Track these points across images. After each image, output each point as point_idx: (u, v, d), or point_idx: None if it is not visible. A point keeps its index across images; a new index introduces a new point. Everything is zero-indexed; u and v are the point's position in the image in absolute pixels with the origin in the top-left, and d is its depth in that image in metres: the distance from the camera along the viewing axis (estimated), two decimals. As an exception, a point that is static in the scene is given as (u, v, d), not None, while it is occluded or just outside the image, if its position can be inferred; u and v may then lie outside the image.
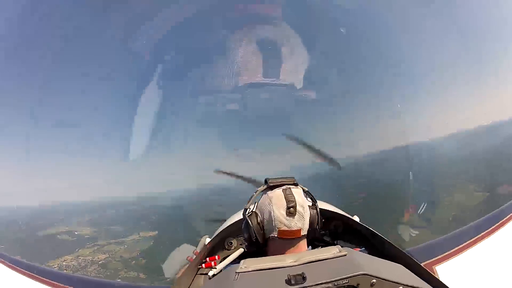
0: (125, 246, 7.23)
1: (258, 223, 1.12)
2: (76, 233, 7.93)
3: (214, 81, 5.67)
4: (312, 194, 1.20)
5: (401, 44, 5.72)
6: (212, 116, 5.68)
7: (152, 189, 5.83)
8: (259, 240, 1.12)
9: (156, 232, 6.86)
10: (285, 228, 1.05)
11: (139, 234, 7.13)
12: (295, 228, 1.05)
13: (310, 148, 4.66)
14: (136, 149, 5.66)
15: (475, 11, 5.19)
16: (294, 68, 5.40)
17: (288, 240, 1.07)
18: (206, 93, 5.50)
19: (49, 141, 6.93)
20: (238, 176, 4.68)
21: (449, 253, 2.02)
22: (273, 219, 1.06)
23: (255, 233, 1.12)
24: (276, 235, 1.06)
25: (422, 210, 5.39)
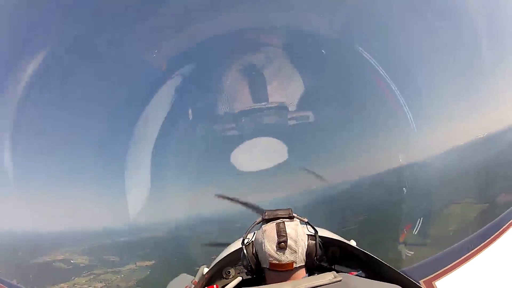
0: (122, 275, 7.09)
1: (253, 254, 1.17)
2: (72, 261, 7.79)
3: (210, 108, 5.73)
4: (311, 224, 1.23)
5: (391, 65, 5.78)
6: (209, 143, 5.71)
7: (149, 218, 5.78)
8: (255, 269, 1.17)
9: (153, 261, 6.75)
10: (275, 261, 1.09)
11: (135, 263, 7.01)
12: (285, 262, 1.08)
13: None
14: (133, 179, 5.64)
15: (461, 20, 5.25)
16: (288, 91, 5.48)
17: (278, 272, 1.10)
18: (204, 120, 5.56)
19: (46, 168, 6.91)
20: (240, 202, 4.65)
21: (448, 267, 1.99)
22: (264, 252, 1.10)
23: (250, 262, 1.17)
24: (268, 267, 1.11)
25: (418, 228, 5.35)
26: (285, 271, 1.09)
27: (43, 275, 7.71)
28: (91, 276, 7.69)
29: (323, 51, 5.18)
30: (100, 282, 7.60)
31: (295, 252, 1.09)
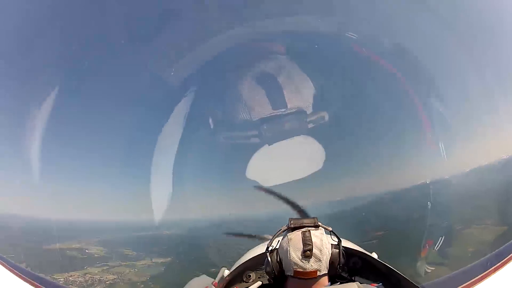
0: (135, 269, 7.17)
1: (277, 261, 1.19)
2: (86, 251, 7.93)
3: (231, 116, 5.82)
4: (336, 233, 1.25)
5: (417, 79, 5.74)
6: (229, 148, 5.80)
7: (170, 216, 5.86)
8: (277, 276, 1.18)
9: (169, 259, 6.81)
10: (300, 269, 1.10)
11: (151, 259, 7.09)
12: (309, 270, 1.10)
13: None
14: (156, 176, 5.76)
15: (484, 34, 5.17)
16: (305, 97, 5.49)
17: (302, 279, 1.12)
18: (227, 126, 5.66)
19: (69, 159, 7.11)
20: (280, 197, 4.62)
21: (467, 284, 1.97)
22: (289, 260, 1.12)
23: (274, 269, 1.19)
24: (292, 274, 1.13)
25: (439, 245, 5.26)
26: (309, 279, 1.11)
27: (55, 262, 7.88)
28: (104, 268, 7.81)
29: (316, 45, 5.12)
30: (113, 274, 7.70)
31: (320, 260, 1.11)
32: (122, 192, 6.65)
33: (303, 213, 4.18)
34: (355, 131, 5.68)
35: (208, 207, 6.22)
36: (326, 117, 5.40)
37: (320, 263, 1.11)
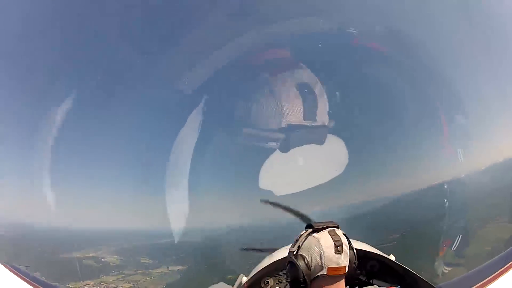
0: (152, 277, 7.20)
1: (306, 264, 1.20)
2: (102, 259, 8.01)
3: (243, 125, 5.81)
4: (347, 236, 1.28)
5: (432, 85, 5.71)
6: (248, 155, 5.83)
7: (186, 223, 5.91)
8: (307, 281, 1.19)
9: (185, 266, 6.83)
10: (334, 265, 1.14)
11: (168, 267, 7.11)
12: (342, 265, 1.14)
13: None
14: (172, 184, 5.83)
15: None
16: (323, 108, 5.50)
17: (332, 278, 1.16)
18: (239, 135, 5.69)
19: (85, 169, 7.25)
20: (287, 209, 4.62)
21: (483, 282, 1.96)
22: (322, 258, 1.15)
23: (303, 274, 1.19)
24: (325, 273, 1.15)
25: (457, 245, 5.18)
26: (335, 277, 1.15)
27: (71, 271, 7.96)
28: (120, 276, 7.86)
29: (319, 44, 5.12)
30: (129, 282, 7.74)
31: (348, 256, 1.17)
32: (138, 200, 6.74)
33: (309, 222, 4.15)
34: (370, 136, 5.67)
35: (224, 214, 6.25)
36: (345, 127, 5.36)
37: (348, 258, 1.17)
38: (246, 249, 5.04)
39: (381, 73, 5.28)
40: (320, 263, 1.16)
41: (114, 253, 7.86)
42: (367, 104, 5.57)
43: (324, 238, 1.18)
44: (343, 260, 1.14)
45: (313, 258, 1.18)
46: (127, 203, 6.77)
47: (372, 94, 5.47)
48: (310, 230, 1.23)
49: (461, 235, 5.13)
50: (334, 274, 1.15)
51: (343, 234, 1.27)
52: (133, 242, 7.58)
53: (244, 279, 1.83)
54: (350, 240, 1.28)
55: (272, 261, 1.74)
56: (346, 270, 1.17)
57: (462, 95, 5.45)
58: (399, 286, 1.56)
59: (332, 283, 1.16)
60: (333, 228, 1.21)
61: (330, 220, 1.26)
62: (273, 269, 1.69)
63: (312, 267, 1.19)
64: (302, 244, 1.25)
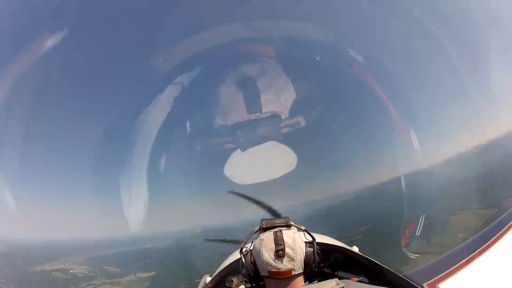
0: (121, 286, 6.97)
1: (252, 262, 1.18)
2: (71, 271, 7.68)
3: (206, 120, 5.69)
4: (309, 232, 1.22)
5: (391, 73, 5.77)
6: (208, 154, 5.69)
7: (151, 229, 5.71)
8: (254, 278, 1.18)
9: (153, 272, 6.65)
10: (274, 270, 1.09)
11: (135, 274, 6.91)
12: (283, 270, 1.09)
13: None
14: (133, 189, 5.60)
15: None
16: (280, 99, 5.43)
17: (278, 279, 1.11)
18: (200, 133, 5.54)
19: (46, 178, 6.89)
20: (254, 201, 4.58)
21: (451, 269, 1.99)
22: (262, 260, 1.12)
23: (249, 271, 1.18)
24: (266, 275, 1.12)
25: (420, 228, 5.13)
26: (284, 279, 1.10)
27: (41, 284, 7.59)
28: (90, 287, 7.57)
29: (317, 58, 5.16)
30: (99, 293, 7.47)
31: (293, 260, 1.10)
32: (101, 208, 6.46)
33: (276, 214, 4.15)
34: (328, 132, 5.68)
35: (191, 216, 6.10)
36: (302, 123, 5.37)
37: (294, 262, 1.11)
38: (211, 240, 4.94)
39: (335, 63, 5.23)
40: (261, 265, 1.12)
41: (81, 263, 7.55)
42: (324, 97, 5.55)
43: (266, 240, 1.13)
44: (286, 265, 1.09)
45: (257, 258, 1.16)
46: (88, 211, 6.48)
47: (327, 86, 5.45)
48: (259, 228, 1.19)
49: (423, 217, 5.19)
50: (275, 278, 1.11)
51: (304, 230, 1.21)
52: (99, 251, 7.31)
53: (208, 279, 1.77)
54: (312, 234, 1.22)
55: (235, 259, 1.68)
56: (296, 273, 1.10)
57: (417, 86, 5.53)
58: (363, 277, 1.53)
59: (280, 284, 1.11)
60: (280, 229, 1.14)
61: (284, 217, 1.20)
62: (236, 267, 1.63)
63: (258, 267, 1.16)
64: (250, 242, 1.23)
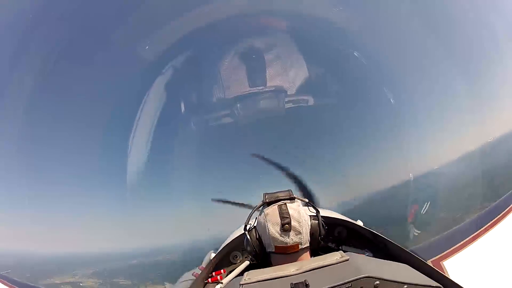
0: (131, 299, 6.93)
1: (257, 239, 1.15)
2: (81, 284, 7.65)
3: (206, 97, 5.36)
4: (313, 204, 1.20)
5: (398, 77, 5.75)
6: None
7: (162, 241, 5.66)
8: (260, 254, 1.16)
9: (165, 286, 6.58)
10: (281, 244, 1.07)
11: (146, 287, 6.85)
12: (290, 244, 1.06)
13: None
14: (139, 201, 5.56)
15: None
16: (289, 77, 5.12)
17: (284, 254, 1.08)
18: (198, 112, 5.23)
19: (55, 191, 6.91)
20: (238, 204, 4.48)
21: (456, 247, 1.95)
22: (268, 235, 1.08)
23: (254, 247, 1.16)
24: (273, 250, 1.09)
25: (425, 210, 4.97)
26: (291, 253, 1.07)
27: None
28: (100, 300, 7.52)
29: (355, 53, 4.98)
30: (108, 306, 7.41)
31: (300, 233, 1.08)
32: (112, 220, 6.45)
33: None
34: (337, 136, 5.63)
35: (200, 228, 6.02)
36: (311, 101, 5.10)
37: (301, 235, 1.08)
38: (218, 200, 4.74)
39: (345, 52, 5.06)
40: (268, 240, 1.10)
41: (91, 276, 7.52)
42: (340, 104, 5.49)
43: (271, 214, 1.10)
44: (292, 239, 1.06)
45: (262, 234, 1.13)
46: (99, 223, 6.48)
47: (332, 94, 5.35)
48: (262, 203, 1.16)
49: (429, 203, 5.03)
50: (283, 253, 1.08)
51: (308, 203, 1.18)
52: (110, 264, 7.28)
53: (213, 255, 1.75)
54: (318, 209, 1.19)
55: (240, 234, 1.67)
56: (303, 246, 1.08)
57: (424, 86, 5.48)
58: (368, 251, 1.51)
59: (288, 258, 1.08)
60: (284, 202, 1.10)
61: (286, 190, 1.17)
62: (241, 243, 1.59)
63: (264, 242, 1.14)
64: (254, 218, 1.20)
